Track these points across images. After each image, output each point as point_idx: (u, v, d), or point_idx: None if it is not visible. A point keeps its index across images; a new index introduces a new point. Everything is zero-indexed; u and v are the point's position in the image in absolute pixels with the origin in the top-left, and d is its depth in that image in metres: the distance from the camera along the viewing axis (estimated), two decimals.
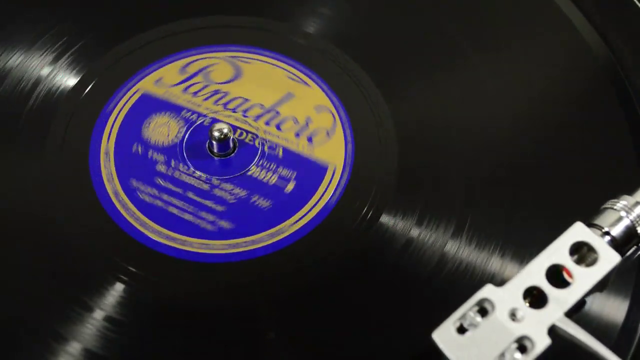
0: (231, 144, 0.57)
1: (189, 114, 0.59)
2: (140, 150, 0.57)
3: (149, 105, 0.59)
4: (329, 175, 0.56)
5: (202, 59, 0.61)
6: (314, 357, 0.50)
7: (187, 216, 0.54)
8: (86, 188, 0.55)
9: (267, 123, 0.58)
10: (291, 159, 0.57)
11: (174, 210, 0.55)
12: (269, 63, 0.61)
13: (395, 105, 0.59)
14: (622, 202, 0.49)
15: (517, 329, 0.44)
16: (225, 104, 0.59)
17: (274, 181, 0.56)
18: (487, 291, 0.46)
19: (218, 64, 0.61)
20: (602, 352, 0.44)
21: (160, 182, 0.56)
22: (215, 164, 0.57)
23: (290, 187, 0.56)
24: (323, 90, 0.59)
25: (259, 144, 0.57)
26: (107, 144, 0.57)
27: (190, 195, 0.55)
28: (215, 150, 0.57)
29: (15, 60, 0.60)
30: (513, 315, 0.45)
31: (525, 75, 0.60)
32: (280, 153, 0.57)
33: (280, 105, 0.59)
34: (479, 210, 0.55)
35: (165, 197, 0.55)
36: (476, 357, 0.44)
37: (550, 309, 0.45)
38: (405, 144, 0.57)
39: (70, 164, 0.56)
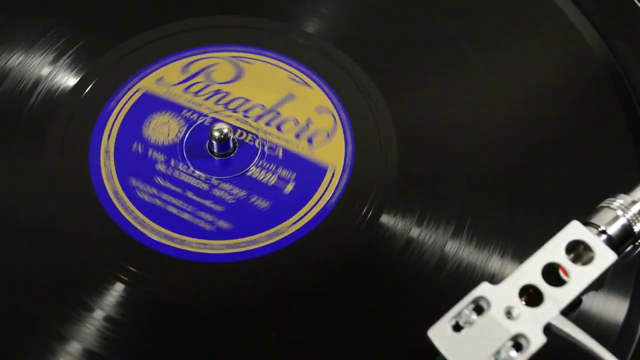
0: (231, 144, 0.57)
1: (189, 113, 0.59)
2: (140, 149, 0.57)
3: (150, 105, 0.59)
4: (328, 175, 0.56)
5: (203, 58, 0.61)
6: (313, 356, 0.50)
7: (185, 216, 0.54)
8: (86, 187, 0.55)
9: (267, 124, 0.58)
10: (291, 160, 0.57)
11: (173, 210, 0.55)
12: (269, 63, 0.61)
13: (395, 105, 0.59)
14: (619, 200, 0.49)
15: (513, 327, 0.44)
16: (226, 104, 0.59)
17: (273, 182, 0.56)
18: (483, 289, 0.46)
19: (219, 64, 0.61)
20: (597, 350, 0.44)
21: (160, 181, 0.56)
22: (215, 164, 0.57)
23: (289, 188, 0.56)
24: (324, 91, 0.59)
25: (259, 144, 0.57)
26: (107, 143, 0.57)
27: (190, 194, 0.55)
28: (215, 150, 0.57)
29: (15, 60, 0.60)
30: (509, 314, 0.45)
31: (525, 74, 0.60)
32: (280, 154, 0.57)
33: (281, 106, 0.59)
34: (479, 210, 0.55)
35: (164, 196, 0.55)
36: (472, 355, 0.44)
37: (546, 307, 0.45)
38: (405, 144, 0.57)
39: (70, 164, 0.56)
